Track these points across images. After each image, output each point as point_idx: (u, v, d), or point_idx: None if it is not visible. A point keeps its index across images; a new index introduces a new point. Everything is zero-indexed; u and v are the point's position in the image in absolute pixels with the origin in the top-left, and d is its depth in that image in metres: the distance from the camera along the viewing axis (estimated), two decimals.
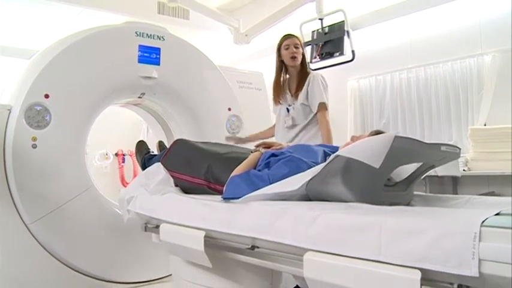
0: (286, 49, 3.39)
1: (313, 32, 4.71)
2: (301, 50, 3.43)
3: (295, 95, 3.38)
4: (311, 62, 4.67)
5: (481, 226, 1.10)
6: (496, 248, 1.07)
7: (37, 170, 2.91)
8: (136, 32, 3.39)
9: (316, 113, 3.33)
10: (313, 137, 3.32)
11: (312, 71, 3.52)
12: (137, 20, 3.87)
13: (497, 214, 1.22)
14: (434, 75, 4.05)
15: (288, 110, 3.42)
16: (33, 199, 2.90)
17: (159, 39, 3.50)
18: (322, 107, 3.31)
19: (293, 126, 3.39)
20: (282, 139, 3.34)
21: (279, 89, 3.49)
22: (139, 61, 3.39)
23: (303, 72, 3.43)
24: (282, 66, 3.49)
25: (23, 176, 2.88)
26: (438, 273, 1.14)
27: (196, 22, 5.32)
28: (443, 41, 4.03)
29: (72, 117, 3.07)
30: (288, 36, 3.46)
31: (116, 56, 3.31)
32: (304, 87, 3.35)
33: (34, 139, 2.90)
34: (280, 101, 3.47)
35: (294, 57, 3.36)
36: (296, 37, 3.48)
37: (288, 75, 3.51)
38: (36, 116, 2.92)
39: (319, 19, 4.55)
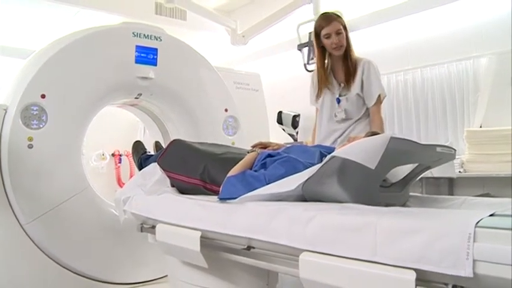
0: (327, 38, 2.84)
1: (310, 33, 4.71)
2: (344, 33, 2.84)
3: (348, 84, 2.89)
4: (308, 63, 4.69)
5: (475, 227, 1.11)
6: (490, 249, 1.07)
7: (33, 170, 2.91)
8: (133, 33, 3.39)
9: (368, 106, 2.91)
10: (361, 133, 2.70)
11: (363, 57, 2.97)
12: (134, 20, 3.86)
13: (491, 215, 1.23)
14: (431, 77, 4.06)
15: (338, 101, 2.92)
16: (29, 199, 2.90)
17: (156, 39, 3.49)
18: (379, 100, 2.87)
19: (345, 120, 2.91)
20: (328, 134, 2.96)
21: (325, 77, 2.97)
22: (136, 61, 3.39)
23: (350, 58, 2.90)
24: (324, 52, 2.95)
25: (19, 176, 2.88)
26: (433, 273, 1.15)
27: (194, 23, 5.33)
28: (439, 42, 4.05)
29: (68, 118, 3.07)
30: (326, 20, 2.86)
31: (113, 56, 3.31)
32: (358, 76, 2.87)
33: (30, 139, 2.90)
34: (327, 91, 2.98)
35: (338, 48, 2.85)
36: (336, 18, 2.86)
37: (330, 61, 2.99)
38: (33, 116, 2.92)
39: None
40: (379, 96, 2.86)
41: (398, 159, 1.67)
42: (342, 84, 2.92)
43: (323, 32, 2.85)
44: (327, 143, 2.84)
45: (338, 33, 2.82)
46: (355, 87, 2.87)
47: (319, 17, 2.96)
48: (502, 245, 1.06)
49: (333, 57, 2.95)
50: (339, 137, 2.91)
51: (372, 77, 2.86)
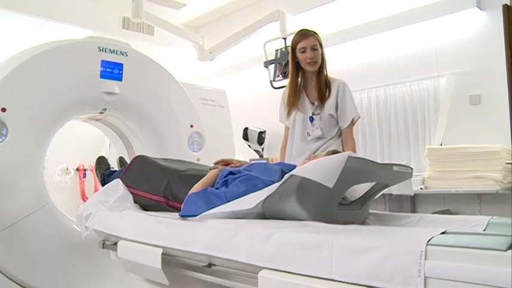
0: (302, 52, 2.82)
1: (276, 50, 4.78)
2: (320, 50, 2.85)
3: (322, 103, 2.86)
4: (274, 80, 4.73)
5: (426, 245, 1.14)
6: (441, 266, 1.10)
7: None
8: (99, 47, 3.38)
9: (342, 128, 2.89)
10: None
11: (336, 78, 2.95)
12: (101, 34, 3.85)
13: (443, 233, 1.26)
14: (394, 96, 4.15)
15: (312, 119, 2.89)
16: None
17: (122, 54, 3.49)
18: (352, 121, 2.88)
19: (319, 138, 2.87)
20: (300, 152, 2.91)
21: (296, 95, 2.94)
22: (102, 76, 3.38)
23: (324, 76, 2.89)
24: (298, 68, 2.93)
25: None
26: None
27: (161, 38, 5.35)
28: (402, 62, 4.15)
29: (30, 132, 3.02)
30: (303, 36, 2.86)
31: (78, 70, 3.29)
32: (333, 96, 2.85)
33: None
34: (298, 109, 2.93)
35: (312, 63, 2.83)
36: (313, 34, 2.86)
37: (303, 79, 2.97)
38: None
39: (283, 38, 4.63)
40: (353, 119, 2.88)
41: (356, 178, 1.71)
42: (316, 103, 2.89)
43: (299, 46, 2.84)
44: (299, 161, 2.77)
45: (314, 48, 2.81)
46: (329, 107, 2.85)
47: (296, 32, 2.94)
48: (453, 262, 1.09)
49: (307, 74, 2.93)
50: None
51: (347, 99, 2.86)
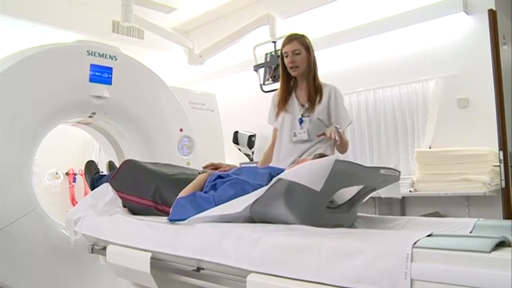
0: (286, 57, 2.81)
1: (266, 54, 4.79)
2: (304, 54, 2.81)
3: (312, 106, 2.84)
4: (264, 84, 4.74)
5: (412, 247, 1.15)
6: (426, 268, 1.12)
7: None
8: (88, 51, 3.37)
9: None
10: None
11: (328, 83, 2.93)
12: (91, 38, 3.84)
13: (429, 235, 1.27)
14: (383, 99, 4.17)
15: (301, 121, 2.85)
16: None
17: (111, 58, 3.48)
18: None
19: (306, 141, 2.83)
20: (288, 154, 2.87)
21: (285, 97, 2.92)
22: (91, 80, 3.36)
23: (314, 80, 2.87)
24: (287, 72, 2.91)
25: None
26: None
27: (151, 42, 5.35)
28: (391, 66, 4.17)
29: (16, 136, 3.00)
30: (288, 40, 2.85)
31: (66, 74, 3.27)
32: (324, 101, 2.83)
33: None
34: (287, 110, 2.91)
35: (294, 68, 2.82)
36: (297, 38, 2.83)
37: (294, 81, 2.95)
38: None
39: (272, 42, 4.64)
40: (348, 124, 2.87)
41: (343, 182, 1.72)
42: (306, 105, 2.85)
43: (283, 50, 2.84)
44: (287, 163, 2.77)
45: (296, 53, 2.78)
46: (319, 111, 2.82)
47: (285, 38, 2.92)
48: (438, 264, 1.11)
49: (298, 77, 2.90)
50: (299, 157, 2.76)
51: (340, 105, 2.84)
